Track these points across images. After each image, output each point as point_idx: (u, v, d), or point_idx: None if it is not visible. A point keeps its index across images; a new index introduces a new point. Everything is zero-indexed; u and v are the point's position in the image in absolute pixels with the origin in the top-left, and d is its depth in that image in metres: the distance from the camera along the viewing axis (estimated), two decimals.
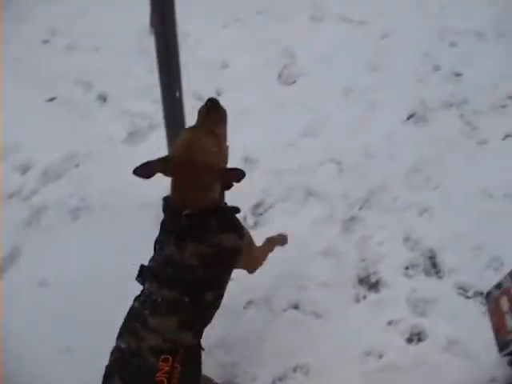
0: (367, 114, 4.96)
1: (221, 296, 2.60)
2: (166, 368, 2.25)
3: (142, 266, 2.54)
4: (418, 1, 6.74)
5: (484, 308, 3.56)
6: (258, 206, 4.21)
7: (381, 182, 4.31)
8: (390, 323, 3.54)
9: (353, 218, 4.07)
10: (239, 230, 2.59)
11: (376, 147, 4.60)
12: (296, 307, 3.64)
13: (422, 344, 3.46)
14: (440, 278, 3.75)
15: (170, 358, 2.28)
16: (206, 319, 2.57)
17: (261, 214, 4.16)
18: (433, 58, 5.73)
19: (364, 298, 3.67)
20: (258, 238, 3.04)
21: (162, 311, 2.38)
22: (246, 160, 4.51)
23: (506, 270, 3.44)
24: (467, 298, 3.65)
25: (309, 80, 5.36)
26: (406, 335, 3.49)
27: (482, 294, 3.63)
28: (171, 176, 2.41)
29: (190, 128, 2.56)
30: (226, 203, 2.62)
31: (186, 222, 2.36)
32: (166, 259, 2.42)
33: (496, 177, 4.28)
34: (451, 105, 5.09)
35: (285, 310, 3.63)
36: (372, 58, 5.69)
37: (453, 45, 6.05)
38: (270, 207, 4.19)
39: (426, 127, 4.85)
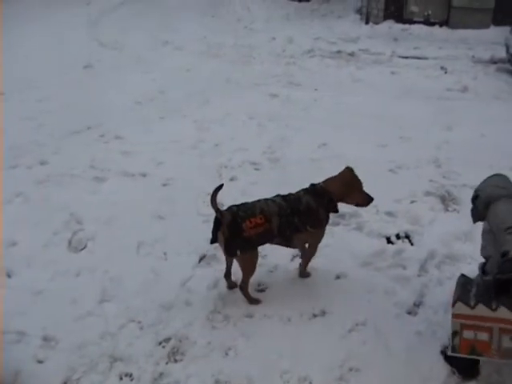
0: (160, 265, 5.05)
1: None
2: None
3: None
4: (195, 143, 7.20)
5: None
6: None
7: (181, 331, 4.35)
8: None
9: (161, 375, 4.05)
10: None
11: (173, 297, 4.66)
12: None
13: None
14: None
15: None
16: None
17: None
18: None
19: None
20: None
21: None
22: (46, 339, 4.36)
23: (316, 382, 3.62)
24: None
25: (98, 243, 5.39)
26: None
27: None
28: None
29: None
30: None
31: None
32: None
33: None
34: None
35: None
36: (157, 207, 5.89)
37: (233, 179, 6.47)
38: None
39: (217, 265, 5.02)
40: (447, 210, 6.00)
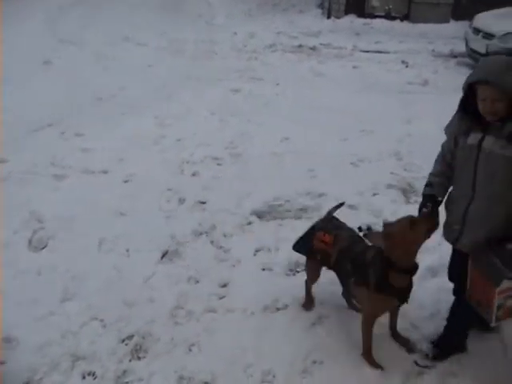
0: (123, 263, 5.01)
1: None
2: None
3: None
4: (156, 139, 7.15)
5: None
6: None
7: (144, 328, 4.32)
8: None
9: (125, 372, 4.02)
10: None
11: (136, 294, 4.63)
12: None
13: None
14: None
15: None
16: None
17: None
18: (177, 191, 6.03)
19: None
20: None
21: None
22: (7, 340, 4.29)
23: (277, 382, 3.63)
24: None
25: (59, 241, 5.32)
26: None
27: None
28: None
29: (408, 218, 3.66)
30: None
31: None
32: None
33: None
34: (201, 233, 5.34)
35: None
36: (119, 203, 5.84)
37: (195, 174, 6.44)
38: None
39: (180, 261, 5.01)
40: (409, 202, 6.06)
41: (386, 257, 3.69)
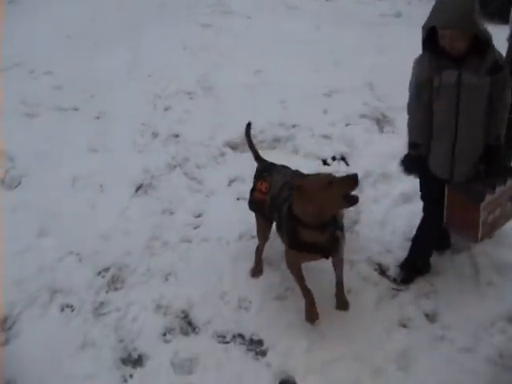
0: (97, 197, 5.02)
1: None
2: None
3: None
4: (128, 75, 7.04)
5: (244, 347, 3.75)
6: (5, 320, 4.02)
7: (120, 260, 4.36)
8: None
9: (102, 303, 4.07)
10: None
11: (111, 227, 4.66)
12: None
13: None
14: (197, 333, 3.88)
15: None
16: None
17: (10, 328, 3.98)
18: (150, 125, 5.98)
19: (131, 376, 3.64)
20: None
21: None
22: None
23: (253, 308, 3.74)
24: (226, 343, 3.80)
25: (33, 179, 5.31)
26: None
27: (240, 335, 3.81)
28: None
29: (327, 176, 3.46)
30: None
31: None
32: None
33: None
34: (175, 166, 5.34)
35: None
36: (92, 140, 5.79)
37: (167, 109, 6.38)
38: (18, 318, 4.03)
39: (155, 193, 5.02)
40: (382, 132, 6.06)
41: (293, 211, 3.52)
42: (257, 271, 4.25)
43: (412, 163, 3.78)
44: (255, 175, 4.13)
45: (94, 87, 6.84)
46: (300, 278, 3.76)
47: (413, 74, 3.63)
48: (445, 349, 3.67)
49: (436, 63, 3.45)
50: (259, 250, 4.24)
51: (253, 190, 4.06)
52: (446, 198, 3.76)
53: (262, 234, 4.14)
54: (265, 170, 4.08)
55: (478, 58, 3.34)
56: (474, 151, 3.56)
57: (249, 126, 4.34)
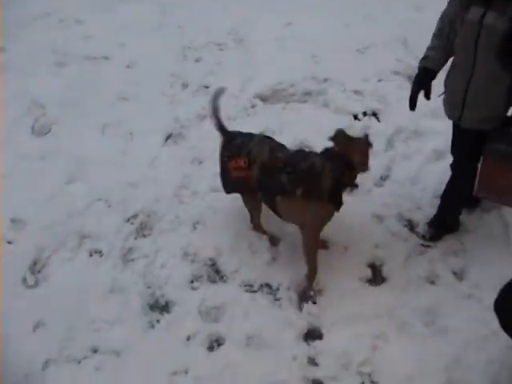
0: (127, 146, 5.02)
1: None
2: None
3: None
4: (158, 26, 6.98)
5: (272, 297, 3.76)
6: (35, 263, 4.08)
7: (149, 207, 4.38)
8: (188, 338, 3.59)
9: (131, 249, 4.10)
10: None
11: (140, 175, 4.67)
12: (95, 351, 3.57)
13: (222, 348, 3.54)
14: (225, 281, 3.90)
15: None
16: None
17: (40, 272, 4.04)
18: (180, 76, 5.95)
19: (158, 321, 3.68)
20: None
21: None
22: (14, 221, 4.36)
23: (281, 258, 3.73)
24: (254, 292, 3.82)
25: (63, 126, 5.31)
26: (206, 344, 3.56)
27: (267, 284, 3.82)
28: None
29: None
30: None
31: None
32: None
33: None
34: (205, 116, 5.28)
35: (85, 357, 3.53)
36: (122, 88, 5.78)
37: (198, 60, 6.32)
38: (47, 262, 4.08)
39: (184, 143, 5.00)
40: None
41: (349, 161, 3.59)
42: (274, 240, 4.14)
43: (417, 76, 3.74)
44: (223, 154, 3.81)
45: (124, 37, 6.78)
46: (316, 253, 3.75)
47: (445, 9, 3.57)
48: (472, 307, 3.66)
49: None
50: (259, 227, 4.14)
51: (227, 172, 3.78)
52: (481, 166, 3.68)
53: (256, 208, 4.02)
54: (232, 144, 3.78)
55: (506, 1, 3.23)
56: (487, 93, 3.46)
57: (219, 92, 4.01)
